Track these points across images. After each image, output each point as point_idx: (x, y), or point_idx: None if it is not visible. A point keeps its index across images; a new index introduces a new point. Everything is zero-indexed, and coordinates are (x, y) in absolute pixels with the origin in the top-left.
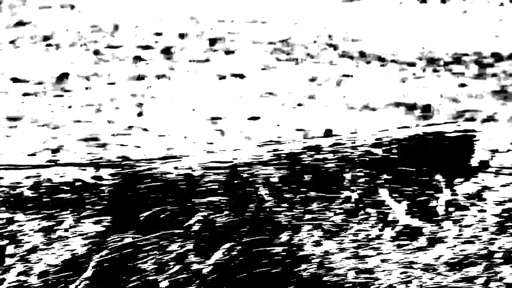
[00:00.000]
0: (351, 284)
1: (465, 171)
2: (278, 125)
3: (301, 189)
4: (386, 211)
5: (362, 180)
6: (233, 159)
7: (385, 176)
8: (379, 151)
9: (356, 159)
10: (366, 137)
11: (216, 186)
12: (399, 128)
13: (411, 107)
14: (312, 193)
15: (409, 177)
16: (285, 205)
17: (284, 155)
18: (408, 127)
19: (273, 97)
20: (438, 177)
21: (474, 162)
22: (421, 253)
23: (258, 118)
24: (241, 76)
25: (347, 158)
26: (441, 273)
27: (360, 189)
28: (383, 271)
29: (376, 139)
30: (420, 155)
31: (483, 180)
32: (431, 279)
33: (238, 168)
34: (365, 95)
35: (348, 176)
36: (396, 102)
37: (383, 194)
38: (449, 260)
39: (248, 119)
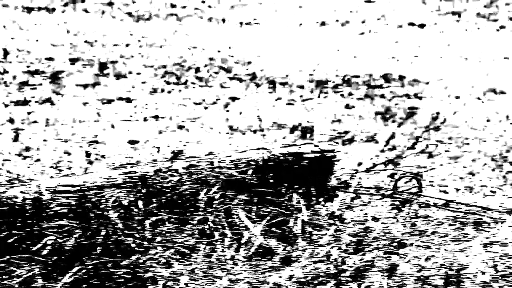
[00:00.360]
0: None
1: (325, 191)
2: (156, 148)
3: (154, 211)
4: (242, 232)
5: (218, 201)
6: (84, 182)
7: (242, 197)
8: (235, 172)
9: (212, 180)
10: (223, 158)
11: (66, 210)
12: (258, 149)
13: (292, 129)
14: (166, 215)
15: (267, 198)
16: (136, 227)
17: (137, 178)
18: (265, 148)
19: (156, 120)
20: (297, 197)
21: (334, 182)
22: (273, 273)
23: (137, 141)
24: (128, 100)
25: (203, 180)
26: None
27: (216, 210)
28: None
29: (233, 161)
30: (279, 176)
31: (342, 200)
32: None
33: (90, 191)
34: (250, 118)
35: (203, 197)
36: (279, 124)
37: (240, 215)
38: (300, 279)
39: (128, 142)
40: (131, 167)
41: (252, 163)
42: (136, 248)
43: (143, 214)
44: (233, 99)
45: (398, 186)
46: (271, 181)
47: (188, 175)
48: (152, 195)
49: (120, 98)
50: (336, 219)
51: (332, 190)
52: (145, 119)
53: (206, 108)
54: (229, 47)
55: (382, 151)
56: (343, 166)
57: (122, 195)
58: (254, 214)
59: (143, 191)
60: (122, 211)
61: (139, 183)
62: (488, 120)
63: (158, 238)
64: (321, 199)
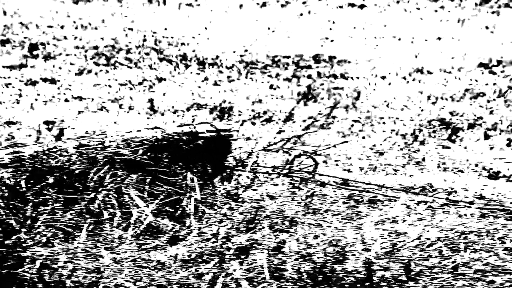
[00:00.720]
0: (74, 284)
1: (221, 170)
2: (72, 128)
3: (40, 191)
4: (132, 211)
5: (109, 180)
6: None
7: (134, 176)
8: (127, 151)
9: (103, 159)
10: (114, 138)
11: None
12: (151, 128)
13: (212, 109)
14: (53, 195)
15: (160, 177)
16: (20, 207)
17: (25, 157)
18: (159, 128)
19: (79, 101)
20: (191, 176)
21: (231, 161)
22: (158, 252)
23: (53, 122)
24: (53, 81)
25: (93, 159)
26: (173, 270)
27: (106, 189)
28: (113, 270)
29: (125, 140)
30: (173, 155)
31: (238, 178)
32: (162, 276)
33: None
34: (173, 98)
35: (93, 176)
36: (200, 104)
37: (131, 194)
38: (184, 257)
39: (43, 123)
40: (18, 146)
41: (145, 142)
42: (18, 228)
43: (28, 193)
44: (160, 80)
45: (293, 164)
46: (166, 160)
47: (78, 154)
48: (39, 175)
49: (45, 79)
50: (230, 198)
51: (229, 169)
52: (66, 100)
53: (131, 89)
54: (165, 29)
55: (279, 132)
56: (243, 145)
57: (7, 175)
58: (147, 193)
59: (30, 170)
60: (6, 190)
61: (27, 162)
62: (408, 100)
63: (42, 218)
64: (217, 178)
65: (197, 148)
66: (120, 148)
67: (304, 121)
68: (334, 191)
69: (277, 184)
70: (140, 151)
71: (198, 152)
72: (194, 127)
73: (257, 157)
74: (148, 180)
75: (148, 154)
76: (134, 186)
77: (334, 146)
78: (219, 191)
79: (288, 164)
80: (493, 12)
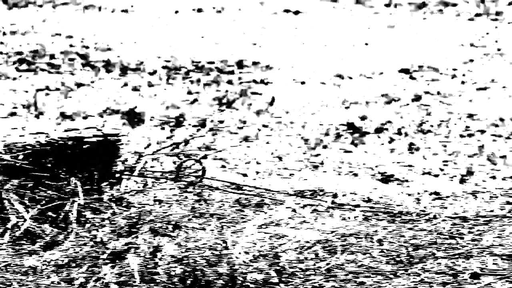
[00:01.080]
0: None
1: (108, 175)
2: None
3: None
4: (10, 216)
5: None
6: None
7: (15, 182)
8: (8, 157)
9: None
10: None
11: None
12: (34, 133)
13: (124, 114)
14: None
15: (43, 183)
16: None
17: None
18: (43, 132)
19: None
20: (75, 181)
21: (118, 166)
22: (32, 257)
23: None
24: None
25: None
26: (45, 275)
27: None
28: None
29: (7, 145)
30: (58, 161)
31: (125, 183)
32: (33, 281)
33: None
34: (88, 104)
35: None
36: (113, 110)
37: (11, 199)
38: (58, 262)
39: None
40: None
41: (27, 147)
42: None
43: None
44: (79, 85)
45: (184, 169)
46: (49, 165)
47: None
48: None
49: None
50: (115, 203)
51: (116, 174)
52: None
53: (47, 94)
54: (94, 35)
55: (170, 137)
56: (136, 149)
57: None
58: (28, 199)
59: None
60: None
61: None
62: (322, 105)
63: None
64: (104, 183)
65: (83, 153)
66: (0, 153)
67: (216, 125)
68: (224, 195)
69: (165, 189)
70: (21, 156)
71: (84, 157)
72: (80, 132)
73: (146, 162)
74: (29, 185)
75: (30, 159)
76: (15, 191)
77: (225, 150)
78: (105, 196)
79: (179, 168)
80: (424, 19)
